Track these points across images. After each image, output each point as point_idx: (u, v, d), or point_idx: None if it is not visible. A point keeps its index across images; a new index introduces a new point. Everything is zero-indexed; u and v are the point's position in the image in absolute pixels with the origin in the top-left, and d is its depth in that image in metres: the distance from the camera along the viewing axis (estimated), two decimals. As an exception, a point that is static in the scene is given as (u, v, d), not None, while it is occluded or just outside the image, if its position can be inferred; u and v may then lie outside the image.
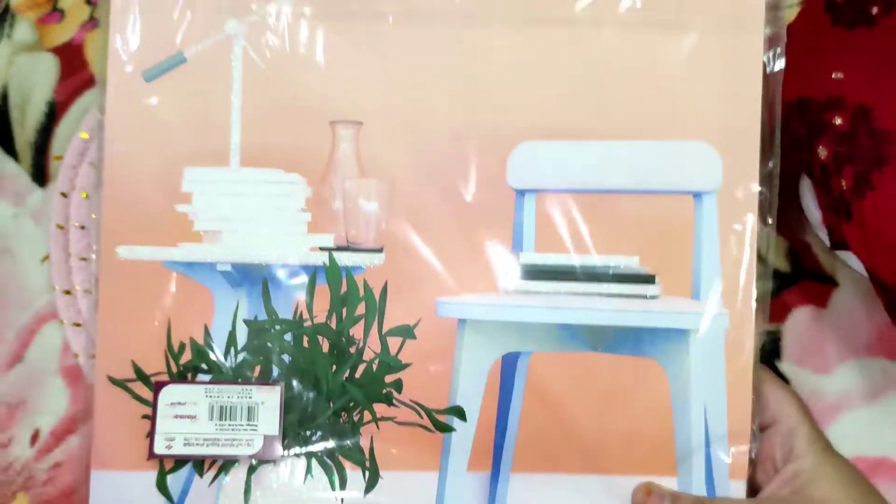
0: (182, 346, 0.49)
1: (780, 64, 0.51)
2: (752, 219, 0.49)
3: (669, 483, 0.49)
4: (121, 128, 0.50)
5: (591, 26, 0.49)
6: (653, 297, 0.49)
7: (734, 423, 0.48)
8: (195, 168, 0.49)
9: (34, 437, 0.56)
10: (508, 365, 0.49)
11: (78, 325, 0.55)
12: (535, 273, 0.49)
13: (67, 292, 0.55)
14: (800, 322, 0.58)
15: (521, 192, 0.49)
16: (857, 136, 0.53)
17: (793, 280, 0.59)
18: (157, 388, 0.49)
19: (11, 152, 0.61)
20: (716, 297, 0.49)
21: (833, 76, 0.55)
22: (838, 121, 0.53)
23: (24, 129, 0.62)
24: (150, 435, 0.49)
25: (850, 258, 0.53)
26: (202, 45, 0.49)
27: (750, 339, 0.49)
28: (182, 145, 0.49)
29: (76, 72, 0.64)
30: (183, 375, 0.49)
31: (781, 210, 0.53)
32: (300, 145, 0.49)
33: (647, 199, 0.49)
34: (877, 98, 0.54)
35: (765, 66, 0.50)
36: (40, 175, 0.61)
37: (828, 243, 0.54)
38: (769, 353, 0.57)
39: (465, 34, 0.50)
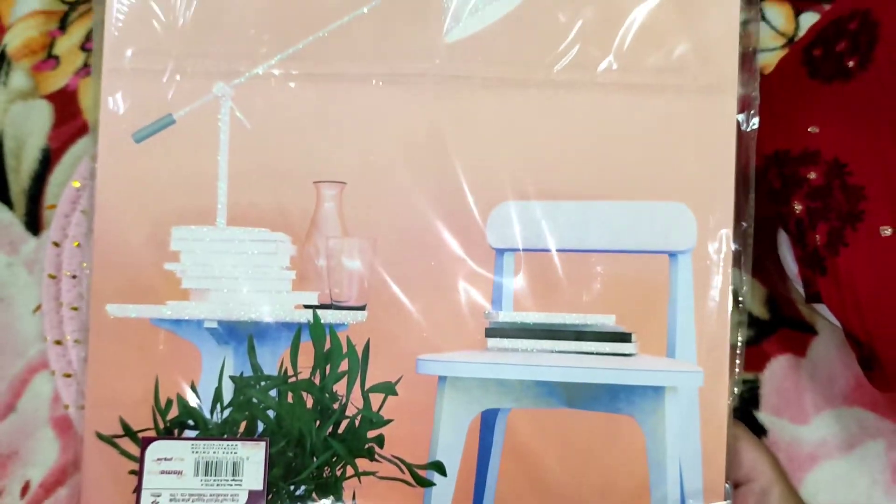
0: (169, 403, 0.50)
1: (754, 123, 0.52)
2: (725, 278, 0.50)
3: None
4: (112, 185, 0.51)
5: (568, 89, 0.51)
6: (629, 356, 0.50)
7: (709, 479, 0.49)
8: (182, 227, 0.50)
9: (24, 489, 0.58)
10: (487, 421, 0.50)
11: (68, 375, 0.56)
12: (513, 332, 0.50)
13: (58, 342, 0.57)
14: (778, 371, 0.59)
15: (500, 252, 0.51)
16: (832, 191, 0.54)
17: (772, 328, 0.60)
18: (144, 444, 0.50)
19: (6, 201, 0.63)
20: (690, 354, 0.50)
21: (809, 130, 0.56)
22: (813, 175, 0.55)
23: (19, 177, 0.63)
24: (137, 491, 0.50)
25: (826, 311, 0.54)
26: (191, 107, 0.51)
27: (724, 396, 0.50)
28: (171, 203, 0.51)
29: (70, 119, 0.65)
30: (170, 431, 0.50)
31: (761, 259, 0.54)
32: (285, 205, 0.51)
33: (624, 258, 0.50)
34: (851, 153, 0.55)
35: (739, 126, 0.51)
36: (34, 224, 0.62)
37: (804, 296, 0.55)
38: (747, 402, 0.59)
39: (446, 97, 0.51)
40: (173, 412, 0.50)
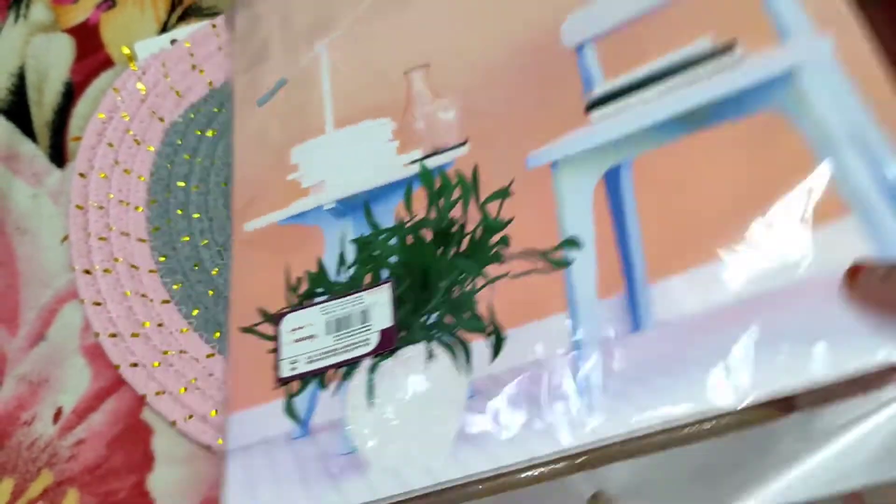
0: (299, 281, 0.50)
1: None
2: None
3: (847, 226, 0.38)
4: (243, 133, 0.58)
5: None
6: (739, 61, 0.44)
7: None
8: (299, 146, 0.55)
9: (57, 415, 0.54)
10: (612, 185, 0.45)
11: (98, 304, 0.55)
12: (613, 96, 0.47)
13: (87, 272, 0.56)
14: None
15: (579, 49, 0.50)
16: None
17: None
18: (277, 319, 0.49)
19: (30, 133, 0.63)
20: (803, 27, 0.43)
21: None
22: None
23: (42, 110, 0.63)
24: (276, 363, 0.47)
25: None
26: (298, 66, 0.59)
27: (869, 56, 0.41)
28: (289, 132, 0.56)
29: (92, 52, 0.65)
30: (301, 305, 0.49)
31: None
32: (382, 101, 0.55)
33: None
34: None
35: None
36: (58, 156, 0.62)
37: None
38: None
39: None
40: (304, 290, 0.49)
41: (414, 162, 0.51)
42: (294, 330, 0.48)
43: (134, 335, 0.54)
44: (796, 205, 0.40)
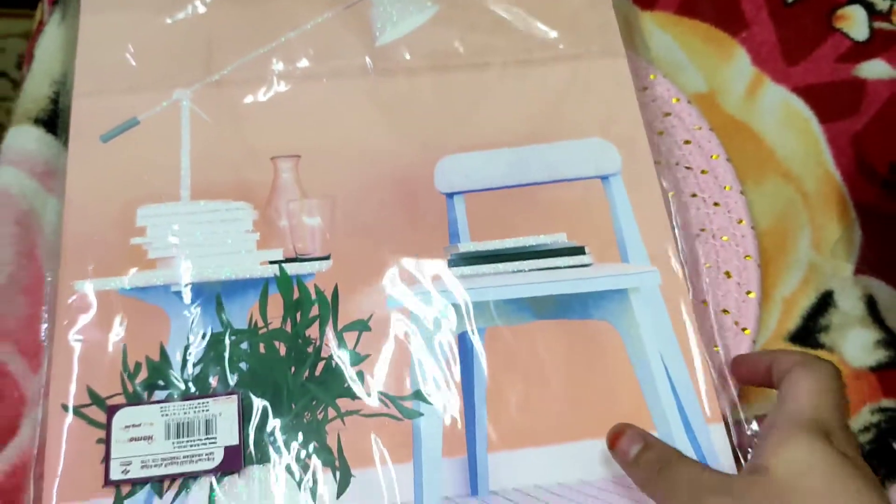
0: (138, 366, 0.48)
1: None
2: (652, 189, 0.55)
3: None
4: (81, 181, 0.54)
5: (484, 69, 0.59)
6: (586, 266, 0.52)
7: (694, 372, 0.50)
8: (148, 206, 0.53)
9: None
10: (465, 344, 0.50)
11: None
12: (474, 260, 0.52)
13: None
14: None
15: (449, 196, 0.54)
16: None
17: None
18: (110, 411, 0.47)
19: None
20: (642, 258, 0.53)
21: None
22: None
23: None
24: (105, 461, 0.46)
25: None
26: (155, 110, 0.55)
27: (683, 293, 0.52)
28: (137, 191, 0.53)
29: None
30: (139, 396, 0.48)
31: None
32: (245, 181, 0.54)
33: (563, 187, 0.55)
34: None
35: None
36: None
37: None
38: (885, 434, 0.53)
39: (383, 85, 0.58)
40: (142, 377, 0.48)
41: (273, 263, 0.52)
42: (128, 427, 0.47)
43: None
44: (607, 404, 0.49)
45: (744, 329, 0.54)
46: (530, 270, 0.52)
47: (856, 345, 0.55)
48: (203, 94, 0.56)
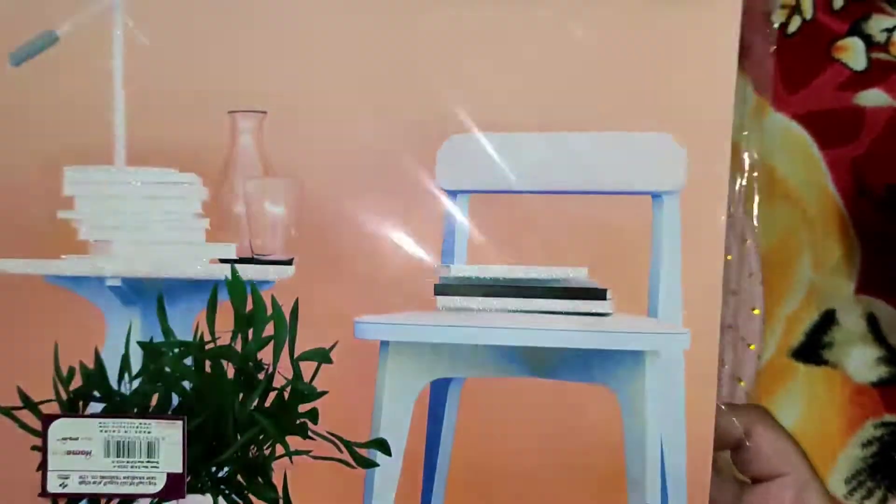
0: (72, 371, 0.44)
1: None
2: (717, 224, 0.41)
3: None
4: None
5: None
6: (604, 315, 0.42)
7: (693, 456, 0.42)
8: (77, 168, 0.43)
9: None
10: (437, 393, 0.43)
11: None
12: (467, 289, 0.42)
13: None
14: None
15: (452, 194, 0.42)
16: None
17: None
18: (45, 421, 0.44)
19: None
20: (675, 313, 0.42)
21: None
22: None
23: None
24: (42, 471, 0.44)
25: None
26: (76, 20, 0.42)
27: (713, 362, 0.42)
28: (60, 139, 0.43)
29: None
30: (73, 403, 0.44)
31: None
32: (195, 140, 0.43)
33: (598, 201, 0.42)
34: None
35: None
36: None
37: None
38: (887, 447, 0.55)
39: (391, 9, 0.42)
40: (77, 382, 0.44)
41: (224, 262, 0.43)
42: (65, 440, 0.43)
43: None
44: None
45: (749, 345, 0.51)
46: (534, 312, 0.42)
47: (858, 361, 0.56)
48: (147, 4, 0.42)
